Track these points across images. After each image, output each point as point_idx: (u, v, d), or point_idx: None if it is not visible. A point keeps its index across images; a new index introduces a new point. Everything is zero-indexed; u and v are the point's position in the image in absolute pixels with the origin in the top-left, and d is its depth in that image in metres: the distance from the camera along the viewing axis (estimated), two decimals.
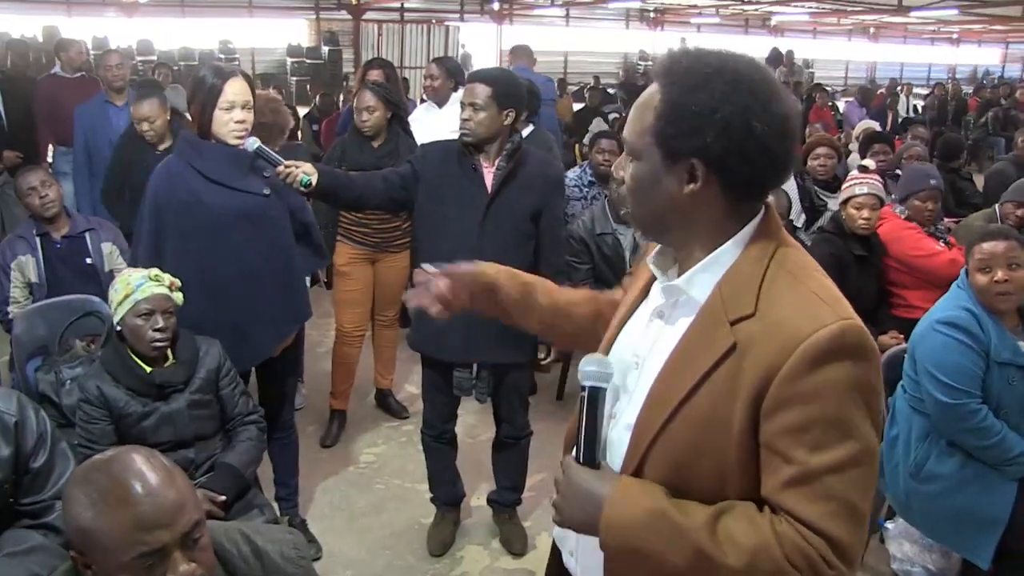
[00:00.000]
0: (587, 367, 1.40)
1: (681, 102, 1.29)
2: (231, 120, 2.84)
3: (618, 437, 1.43)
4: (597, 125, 10.64)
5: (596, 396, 1.39)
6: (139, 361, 2.69)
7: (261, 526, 2.16)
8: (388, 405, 4.62)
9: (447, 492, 3.49)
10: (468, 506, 3.67)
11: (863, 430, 1.26)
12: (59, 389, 3.28)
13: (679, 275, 1.40)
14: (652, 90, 1.35)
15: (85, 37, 13.81)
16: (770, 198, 1.40)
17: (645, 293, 1.52)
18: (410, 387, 4.90)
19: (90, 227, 4.02)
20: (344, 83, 12.83)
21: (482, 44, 21.59)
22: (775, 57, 15.72)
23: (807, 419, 1.24)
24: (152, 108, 4.34)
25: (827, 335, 1.24)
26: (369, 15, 20.75)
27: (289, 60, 20.31)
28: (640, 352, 1.44)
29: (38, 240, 3.89)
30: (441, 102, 4.96)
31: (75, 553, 1.46)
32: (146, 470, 1.43)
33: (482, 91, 2.98)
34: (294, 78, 19.78)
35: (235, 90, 2.84)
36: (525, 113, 3.48)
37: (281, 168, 2.84)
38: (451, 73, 5.01)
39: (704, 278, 1.35)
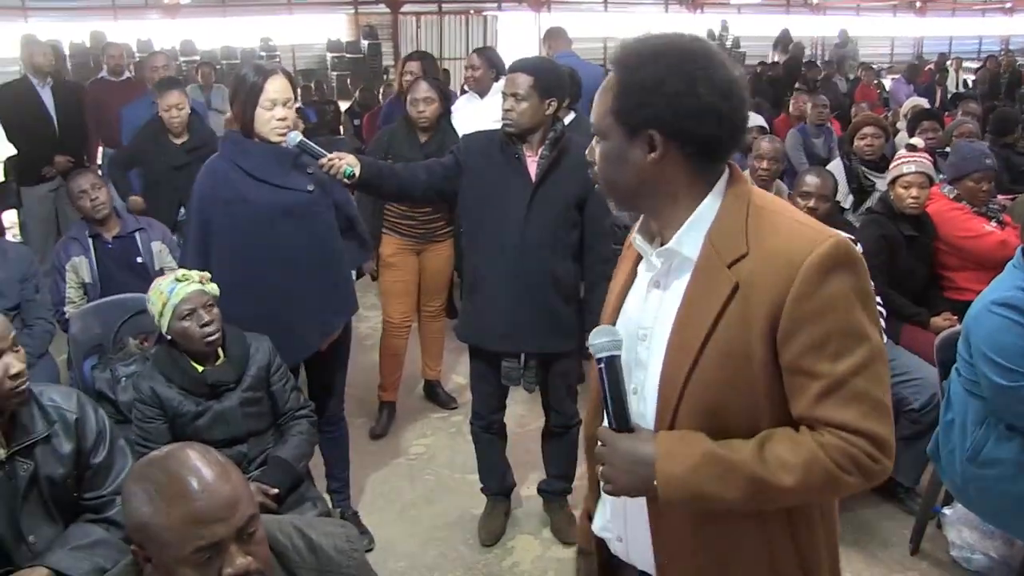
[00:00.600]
0: (597, 340, 1.46)
1: (632, 80, 1.42)
2: (273, 118, 2.86)
3: (644, 406, 1.49)
4: None
5: (613, 363, 1.44)
6: (191, 361, 2.73)
7: (314, 519, 2.19)
8: (436, 396, 4.65)
9: (497, 482, 3.50)
10: (518, 496, 3.69)
11: (871, 331, 1.37)
12: (115, 386, 3.35)
13: (663, 244, 1.49)
14: (610, 76, 1.48)
15: (130, 40, 14.05)
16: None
17: (634, 274, 1.59)
18: (458, 377, 4.92)
19: (140, 227, 4.11)
20: (384, 76, 12.87)
21: (520, 33, 21.49)
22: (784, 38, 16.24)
23: (825, 333, 1.34)
24: (179, 97, 4.77)
25: (824, 252, 1.34)
26: (407, 8, 20.72)
27: (329, 55, 20.43)
28: (645, 323, 1.51)
29: (90, 241, 3.97)
30: (483, 92, 4.96)
31: (135, 547, 1.49)
32: (201, 466, 1.45)
33: (524, 81, 2.97)
34: (334, 73, 19.89)
35: (276, 88, 2.86)
36: (567, 100, 3.46)
37: (324, 160, 2.87)
38: (492, 63, 5.00)
39: (692, 236, 1.44)
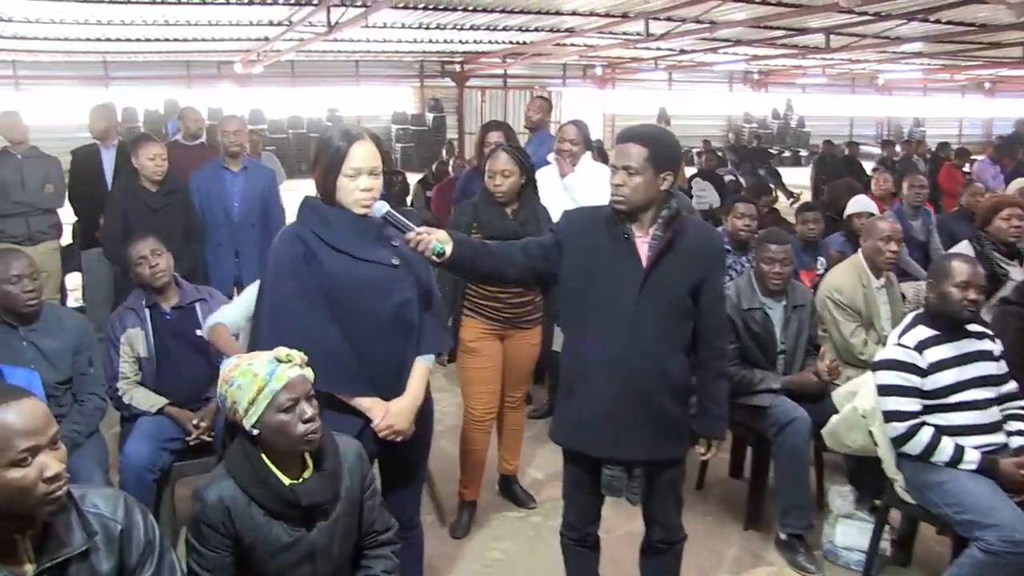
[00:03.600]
0: None
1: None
2: (356, 188, 2.57)
3: None
4: (699, 189, 10.26)
5: None
6: (274, 469, 2.23)
7: None
8: (513, 493, 4.24)
9: None
10: None
11: None
12: None
13: None
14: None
15: (201, 108, 14.20)
16: None
17: None
18: (535, 472, 4.53)
19: (200, 297, 3.82)
20: (451, 147, 12.82)
21: (584, 108, 21.46)
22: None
23: None
24: (160, 148, 5.01)
25: None
26: (472, 82, 20.90)
27: (394, 127, 20.59)
28: None
29: (147, 312, 3.69)
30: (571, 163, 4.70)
31: None
32: None
33: (637, 152, 2.65)
34: (399, 144, 20.00)
35: (362, 155, 2.57)
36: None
37: (412, 235, 2.53)
38: (586, 136, 4.75)
39: None
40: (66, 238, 6.52)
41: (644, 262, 2.68)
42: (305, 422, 2.18)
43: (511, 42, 14.89)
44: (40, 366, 3.34)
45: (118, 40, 12.67)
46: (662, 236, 2.69)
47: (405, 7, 10.75)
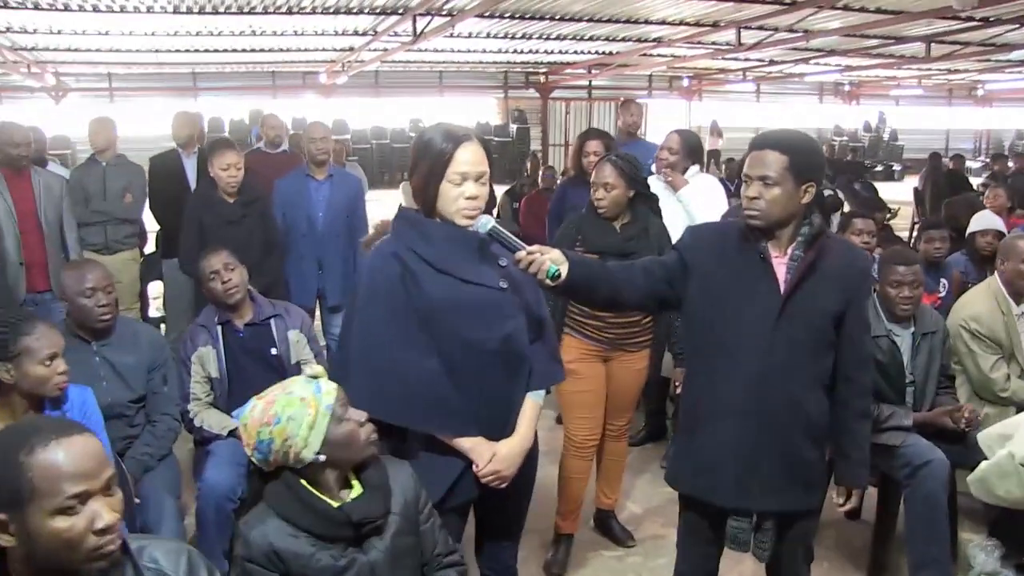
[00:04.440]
0: None
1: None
2: (461, 196, 2.27)
3: None
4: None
5: None
6: (319, 494, 2.06)
7: None
8: (610, 529, 3.89)
9: None
10: None
11: None
12: None
13: None
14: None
15: (286, 118, 14.27)
16: None
17: None
18: (632, 506, 4.19)
19: (275, 313, 3.57)
20: (534, 158, 12.57)
21: (670, 120, 21.04)
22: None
23: None
24: (236, 157, 4.66)
25: None
26: (557, 93, 20.67)
27: None
28: None
29: (219, 329, 3.47)
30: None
31: None
32: None
33: (775, 160, 2.32)
34: None
35: (467, 159, 2.27)
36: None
37: (522, 254, 2.22)
38: (691, 147, 4.42)
39: None
40: (151, 246, 6.44)
41: (782, 286, 2.35)
42: (362, 425, 2.10)
43: (597, 52, 14.63)
44: (113, 383, 3.16)
45: (206, 51, 12.83)
46: (803, 256, 2.35)
47: (491, 16, 10.56)
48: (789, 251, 2.38)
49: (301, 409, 2.02)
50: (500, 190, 9.83)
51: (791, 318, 2.34)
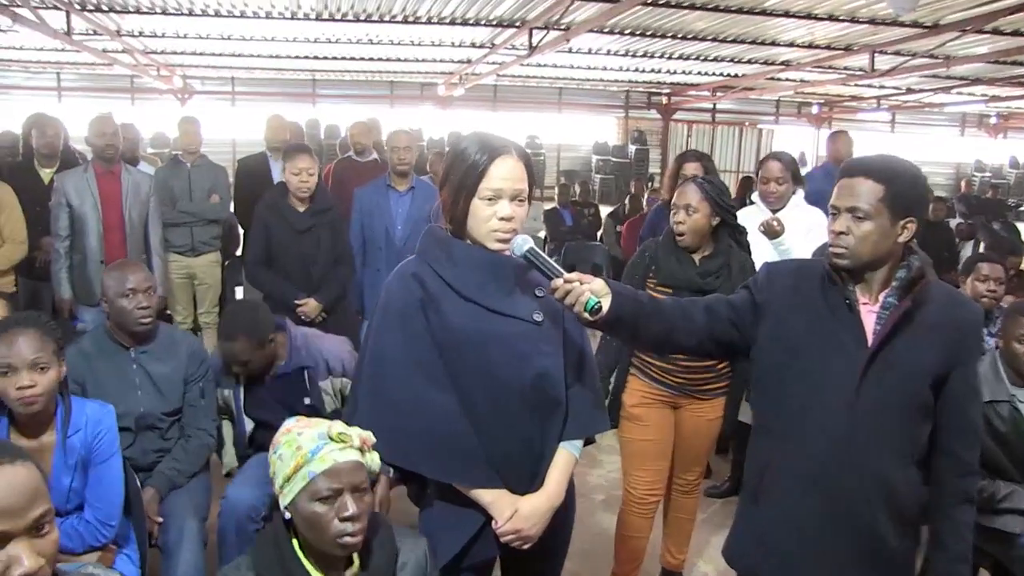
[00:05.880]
0: None
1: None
2: (494, 216, 1.99)
3: None
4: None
5: None
6: (306, 563, 1.77)
7: None
8: None
9: None
10: None
11: None
12: None
13: None
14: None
15: (403, 127, 14.34)
16: None
17: None
18: (705, 566, 3.80)
19: (307, 364, 3.19)
20: (639, 179, 12.21)
21: (797, 148, 20.29)
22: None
23: None
24: (309, 161, 4.38)
25: None
26: (679, 115, 20.16)
27: (595, 157, 20.15)
28: None
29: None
30: (777, 205, 3.99)
31: None
32: None
33: (868, 191, 1.96)
34: (598, 176, 19.53)
35: (503, 174, 1.99)
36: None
37: (558, 282, 1.91)
38: (793, 172, 4.02)
39: None
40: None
41: (870, 339, 1.98)
42: (343, 520, 1.73)
43: (722, 74, 14.12)
44: (147, 393, 2.99)
45: (325, 58, 12.97)
46: (897, 305, 1.98)
47: (610, 32, 10.27)
48: (881, 298, 2.02)
49: (290, 456, 1.77)
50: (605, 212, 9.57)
51: (880, 377, 1.96)
